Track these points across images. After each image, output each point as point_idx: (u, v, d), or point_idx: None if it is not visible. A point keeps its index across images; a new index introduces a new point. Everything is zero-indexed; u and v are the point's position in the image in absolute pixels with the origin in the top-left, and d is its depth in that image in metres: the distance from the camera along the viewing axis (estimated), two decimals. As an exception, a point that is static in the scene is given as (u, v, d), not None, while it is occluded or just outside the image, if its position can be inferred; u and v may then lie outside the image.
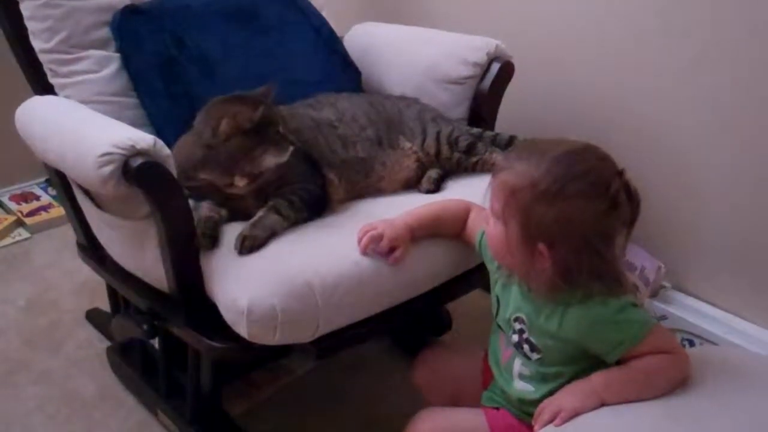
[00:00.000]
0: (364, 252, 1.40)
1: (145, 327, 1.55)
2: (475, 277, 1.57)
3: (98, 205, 1.61)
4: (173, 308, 1.47)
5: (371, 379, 1.97)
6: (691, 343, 1.86)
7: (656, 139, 1.89)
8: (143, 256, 1.49)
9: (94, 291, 2.13)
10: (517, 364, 1.36)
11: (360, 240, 1.40)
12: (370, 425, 1.80)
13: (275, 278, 1.31)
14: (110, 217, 1.56)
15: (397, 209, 1.50)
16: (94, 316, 2.18)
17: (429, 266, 1.49)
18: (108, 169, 1.30)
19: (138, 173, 1.30)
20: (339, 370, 2.00)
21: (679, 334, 1.87)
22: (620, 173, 1.22)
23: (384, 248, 1.40)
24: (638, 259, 1.90)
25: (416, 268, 1.46)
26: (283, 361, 1.99)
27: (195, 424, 1.71)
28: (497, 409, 1.40)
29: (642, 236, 1.83)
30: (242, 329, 1.30)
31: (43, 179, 2.97)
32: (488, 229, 1.30)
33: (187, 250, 1.39)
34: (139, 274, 1.58)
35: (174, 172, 1.36)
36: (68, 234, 2.11)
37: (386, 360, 2.03)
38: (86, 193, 1.63)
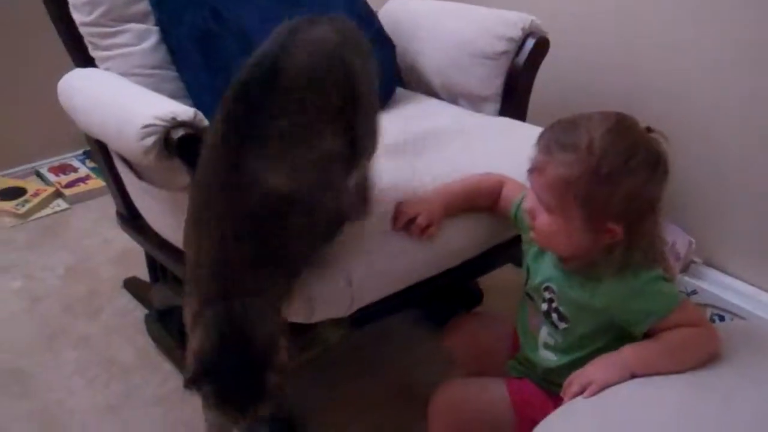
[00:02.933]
0: (398, 230, 1.42)
1: (184, 295, 1.59)
2: (506, 251, 1.59)
3: (139, 176, 1.64)
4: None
5: (401, 349, 2.01)
6: (721, 318, 1.87)
7: (688, 116, 1.89)
8: (182, 225, 1.52)
9: (132, 260, 2.18)
10: (544, 333, 1.38)
11: (394, 219, 1.43)
12: (399, 394, 1.84)
13: None
14: (151, 188, 1.60)
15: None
16: (131, 285, 2.24)
17: (461, 240, 1.51)
18: (150, 140, 1.33)
19: (179, 144, 1.34)
20: (370, 341, 2.02)
21: (708, 309, 1.87)
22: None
23: (418, 229, 1.42)
24: (669, 234, 1.91)
25: (449, 242, 1.48)
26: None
27: None
28: (520, 378, 1.42)
29: (673, 211, 1.84)
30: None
31: (81, 151, 3.02)
32: (540, 226, 1.28)
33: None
34: (176, 241, 1.61)
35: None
36: (106, 205, 2.16)
37: (417, 332, 2.06)
38: (127, 163, 1.67)
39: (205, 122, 1.37)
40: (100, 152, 1.80)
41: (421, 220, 1.42)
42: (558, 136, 1.23)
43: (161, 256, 1.74)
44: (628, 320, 1.26)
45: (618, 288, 1.25)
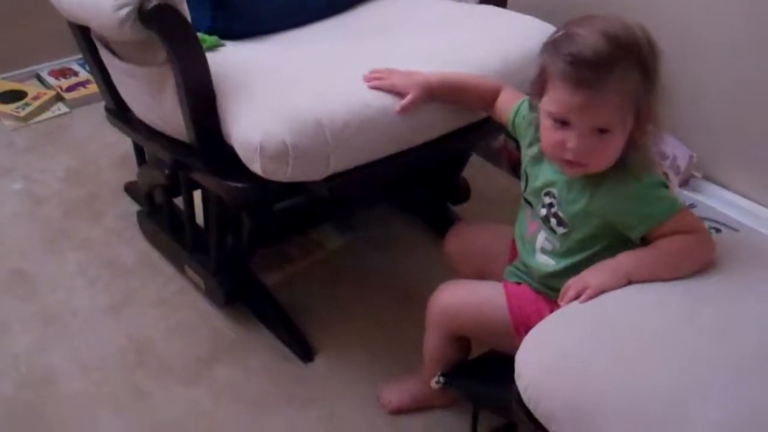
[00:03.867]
0: (369, 82, 1.47)
1: (166, 171, 1.66)
2: (485, 129, 1.62)
3: (119, 56, 1.65)
4: (194, 156, 1.55)
5: (400, 255, 2.02)
6: (718, 231, 1.87)
7: (688, 28, 1.86)
8: (163, 104, 1.55)
9: (133, 164, 2.17)
10: (541, 238, 1.38)
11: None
12: (399, 298, 1.86)
13: (286, 116, 1.38)
14: (130, 66, 1.61)
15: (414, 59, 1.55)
16: (132, 188, 2.23)
17: (439, 113, 1.53)
18: (124, 11, 1.36)
19: (152, 15, 1.36)
20: (369, 248, 2.04)
21: (707, 222, 1.87)
22: None
23: (388, 83, 1.45)
24: (670, 148, 1.90)
25: (426, 114, 1.50)
26: (314, 235, 2.04)
27: (219, 275, 1.80)
28: (518, 284, 1.43)
29: (674, 126, 1.82)
30: (256, 166, 1.38)
31: (81, 55, 2.97)
32: (605, 150, 1.21)
33: (203, 93, 1.45)
34: (160, 125, 1.65)
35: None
36: (106, 109, 2.13)
37: (415, 238, 2.07)
38: (109, 48, 1.67)
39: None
40: (84, 41, 1.79)
41: (397, 81, 1.44)
42: (589, 59, 1.15)
43: (147, 143, 1.80)
44: (627, 223, 1.26)
45: (618, 190, 1.25)
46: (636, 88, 1.18)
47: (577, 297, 1.21)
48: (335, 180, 1.44)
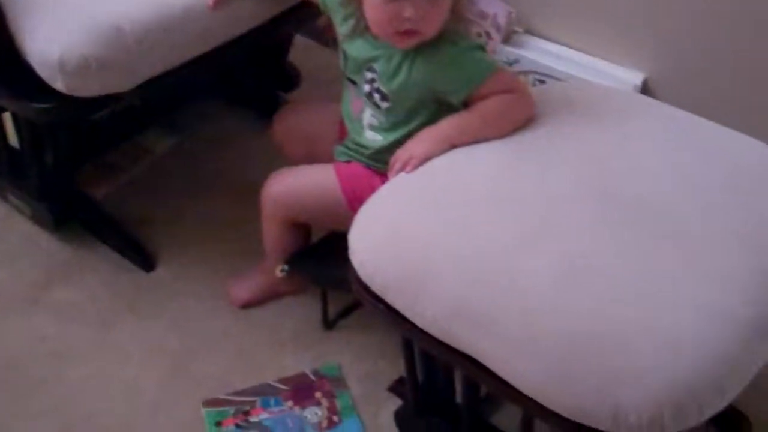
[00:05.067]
0: None
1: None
2: (302, 13, 1.59)
3: None
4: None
5: (234, 150, 1.96)
6: (543, 83, 1.91)
7: None
8: None
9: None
10: (368, 115, 1.37)
11: None
12: (237, 193, 1.81)
13: (84, 27, 1.31)
14: None
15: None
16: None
17: (250, 3, 1.49)
18: None
19: None
20: (201, 146, 1.98)
21: (531, 75, 1.91)
22: None
23: None
24: (490, 6, 1.90)
25: (237, 6, 1.46)
26: (140, 141, 1.95)
27: (44, 198, 1.70)
28: (348, 162, 1.42)
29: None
30: (59, 84, 1.31)
31: None
32: (432, 17, 1.22)
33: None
34: None
35: None
36: None
37: (248, 131, 2.01)
38: None
39: None
40: None
41: None
42: None
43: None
44: (447, 90, 1.26)
45: (437, 58, 1.25)
46: None
47: (403, 168, 1.22)
48: (147, 87, 1.38)
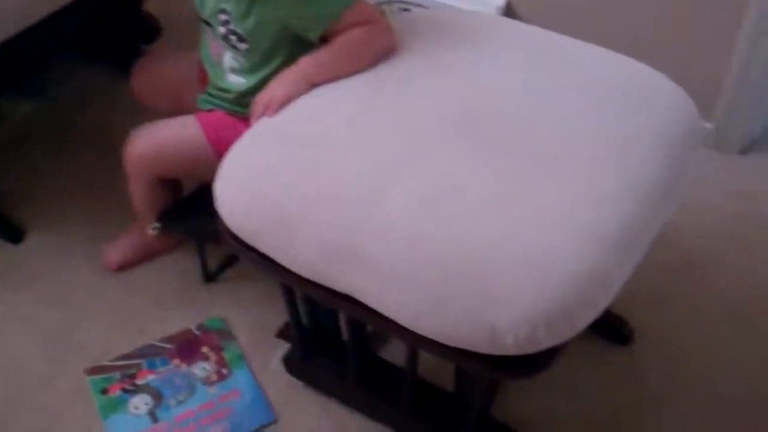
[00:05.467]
0: None
1: None
2: None
3: None
4: None
5: (98, 109, 1.89)
6: (408, 11, 1.89)
7: None
8: None
9: None
10: (228, 58, 1.33)
11: None
12: (104, 154, 1.73)
13: None
14: None
15: None
16: None
17: None
18: None
19: None
20: (62, 108, 1.90)
21: (396, 5, 1.89)
22: None
23: None
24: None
25: None
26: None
27: None
28: (211, 111, 1.38)
29: None
30: None
31: None
32: None
33: None
34: None
35: None
36: None
37: (111, 87, 1.92)
38: None
39: None
40: None
41: None
42: None
43: None
44: (302, 26, 1.23)
45: None
46: None
47: (265, 112, 1.19)
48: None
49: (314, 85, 1.19)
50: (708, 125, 1.86)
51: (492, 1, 1.85)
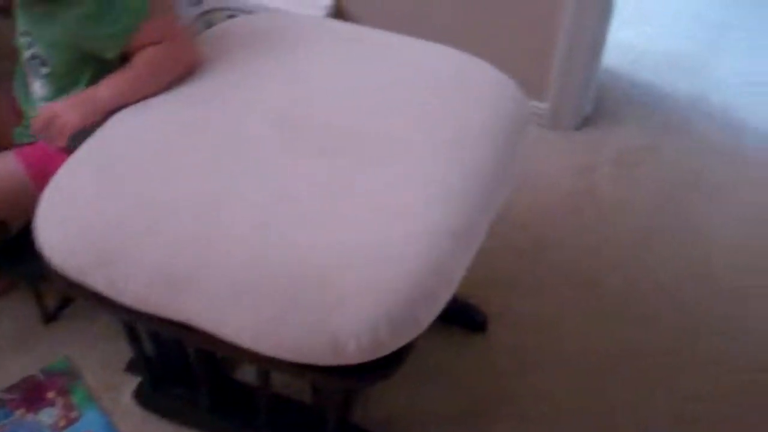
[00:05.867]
0: None
1: None
2: None
3: None
4: None
5: None
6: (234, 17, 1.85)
7: None
8: None
9: None
10: (37, 87, 1.27)
11: None
12: None
13: None
14: None
15: None
16: None
17: None
18: None
19: None
20: None
21: (223, 12, 1.85)
22: None
23: None
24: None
25: None
26: None
27: None
28: (31, 144, 1.31)
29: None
30: None
31: None
32: None
33: None
34: None
35: None
36: None
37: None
38: None
39: None
40: None
41: None
42: None
43: None
44: (98, 47, 1.18)
45: (77, 12, 1.15)
46: None
47: (44, 126, 1.15)
48: None
49: (111, 113, 1.14)
50: (543, 105, 1.92)
51: (319, 3, 1.83)
